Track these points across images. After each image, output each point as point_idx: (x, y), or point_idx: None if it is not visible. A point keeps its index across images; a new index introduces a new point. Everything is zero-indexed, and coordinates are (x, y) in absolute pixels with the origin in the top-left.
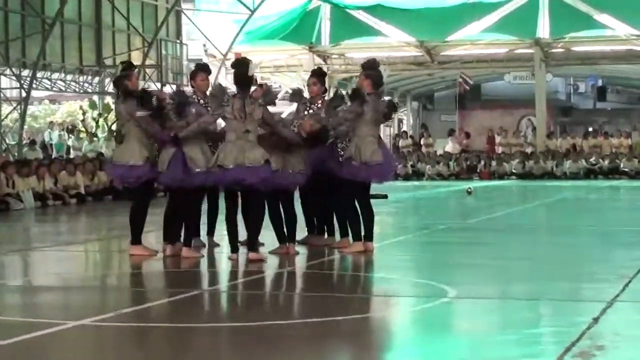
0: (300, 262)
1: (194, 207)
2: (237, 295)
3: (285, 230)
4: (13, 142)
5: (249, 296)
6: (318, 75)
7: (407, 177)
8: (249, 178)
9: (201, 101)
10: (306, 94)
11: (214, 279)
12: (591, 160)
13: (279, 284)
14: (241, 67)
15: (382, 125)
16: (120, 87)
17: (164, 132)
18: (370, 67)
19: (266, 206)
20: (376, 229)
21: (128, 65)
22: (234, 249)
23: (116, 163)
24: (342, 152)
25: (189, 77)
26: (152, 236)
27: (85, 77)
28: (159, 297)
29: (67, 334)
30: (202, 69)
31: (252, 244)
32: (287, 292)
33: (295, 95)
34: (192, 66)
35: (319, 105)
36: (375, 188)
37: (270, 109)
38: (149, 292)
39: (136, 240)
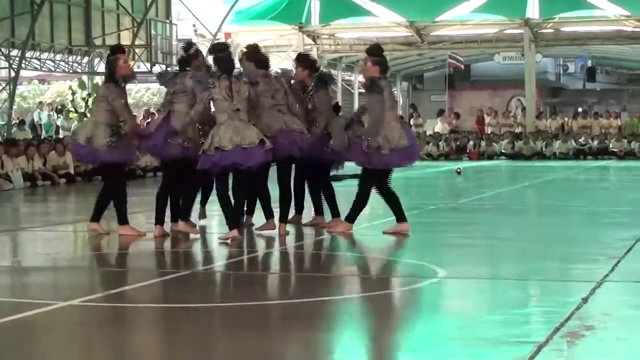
0: (290, 242)
1: (192, 186)
2: (229, 276)
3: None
4: (2, 122)
5: (241, 276)
6: (300, 60)
7: None
8: (248, 161)
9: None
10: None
11: (206, 258)
12: (580, 140)
13: (268, 264)
14: (223, 51)
15: None
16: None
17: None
18: (377, 53)
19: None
20: (365, 209)
21: (115, 49)
22: (236, 223)
23: (79, 142)
24: (364, 142)
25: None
26: (142, 216)
27: (74, 57)
28: (148, 278)
29: (55, 314)
30: (121, 49)
31: (235, 222)
32: (276, 272)
33: (284, 75)
34: (181, 47)
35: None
36: None
37: None
38: (137, 273)
39: (123, 220)
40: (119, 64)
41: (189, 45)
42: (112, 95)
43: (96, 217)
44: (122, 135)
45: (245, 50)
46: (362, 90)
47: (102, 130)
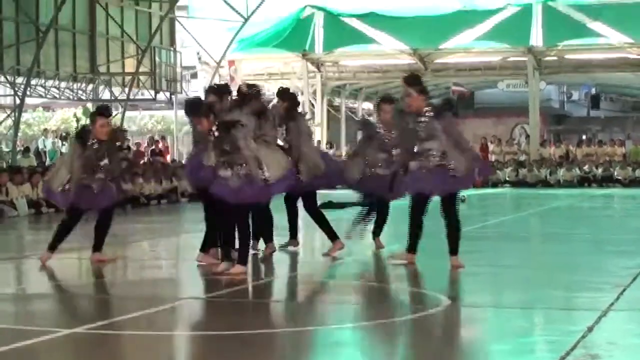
0: (292, 268)
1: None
2: (238, 303)
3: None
4: (7, 150)
5: (245, 304)
6: (279, 94)
7: None
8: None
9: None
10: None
11: (211, 285)
12: (585, 168)
13: (270, 291)
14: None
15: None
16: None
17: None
18: (419, 82)
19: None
20: (369, 237)
21: (98, 110)
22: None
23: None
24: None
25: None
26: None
27: (79, 84)
28: (152, 305)
29: (59, 342)
30: (102, 113)
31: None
32: (279, 299)
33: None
34: (186, 74)
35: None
36: None
37: None
38: (141, 300)
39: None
40: (96, 126)
41: (250, 86)
42: (73, 154)
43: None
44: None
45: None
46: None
47: (61, 175)
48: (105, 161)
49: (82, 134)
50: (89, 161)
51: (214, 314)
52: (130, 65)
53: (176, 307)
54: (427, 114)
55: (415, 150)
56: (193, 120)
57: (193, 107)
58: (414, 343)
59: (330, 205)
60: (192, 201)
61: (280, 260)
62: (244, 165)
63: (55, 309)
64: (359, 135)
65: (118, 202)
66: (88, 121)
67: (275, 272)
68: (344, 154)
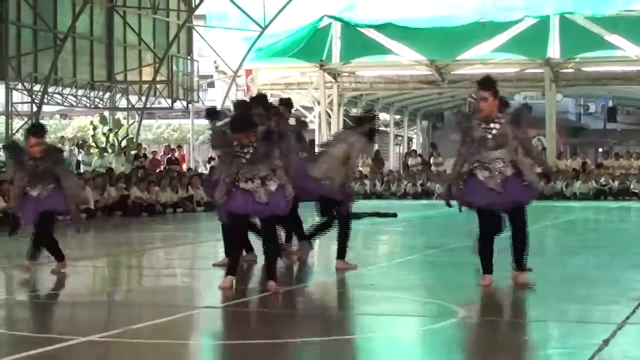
0: (306, 277)
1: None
2: (249, 312)
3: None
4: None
5: (258, 313)
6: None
7: (416, 196)
8: None
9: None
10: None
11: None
12: (601, 181)
13: (285, 301)
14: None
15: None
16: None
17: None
18: (494, 86)
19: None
20: (385, 248)
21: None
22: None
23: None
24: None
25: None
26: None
27: (96, 92)
28: (167, 314)
29: (75, 350)
30: (35, 132)
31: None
32: (293, 309)
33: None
34: (203, 83)
35: None
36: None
37: None
38: (157, 308)
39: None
40: (27, 145)
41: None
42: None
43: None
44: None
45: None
46: (383, 128)
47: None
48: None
49: (15, 152)
50: (29, 175)
51: (230, 323)
52: (147, 73)
53: (192, 315)
54: (499, 120)
55: (478, 158)
56: (240, 136)
57: (245, 123)
58: (430, 355)
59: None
60: (207, 210)
61: (294, 269)
62: (274, 177)
63: (70, 317)
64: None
65: (61, 212)
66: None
67: (293, 280)
68: (360, 164)
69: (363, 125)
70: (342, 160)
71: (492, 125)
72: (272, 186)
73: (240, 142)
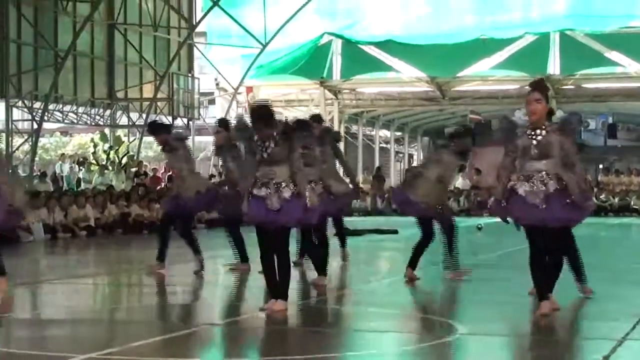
0: (305, 294)
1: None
2: (248, 329)
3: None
4: (24, 174)
5: (254, 331)
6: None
7: None
8: None
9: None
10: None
11: (229, 311)
12: (601, 197)
13: (284, 319)
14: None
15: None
16: None
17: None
18: (546, 89)
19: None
20: (386, 265)
21: None
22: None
23: None
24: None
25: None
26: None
27: (96, 109)
28: (167, 331)
29: None
30: None
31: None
32: (290, 327)
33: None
34: (203, 100)
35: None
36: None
37: None
38: (157, 326)
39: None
40: None
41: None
42: None
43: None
44: None
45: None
46: (384, 145)
47: None
48: None
49: None
50: None
51: (230, 340)
52: (148, 91)
53: (193, 333)
54: (546, 128)
55: (520, 170)
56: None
57: (305, 126)
58: None
59: (347, 232)
60: (208, 227)
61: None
62: (290, 184)
63: (70, 334)
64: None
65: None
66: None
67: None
68: (361, 180)
69: (456, 142)
70: (437, 180)
71: (537, 132)
72: (286, 193)
73: (260, 135)
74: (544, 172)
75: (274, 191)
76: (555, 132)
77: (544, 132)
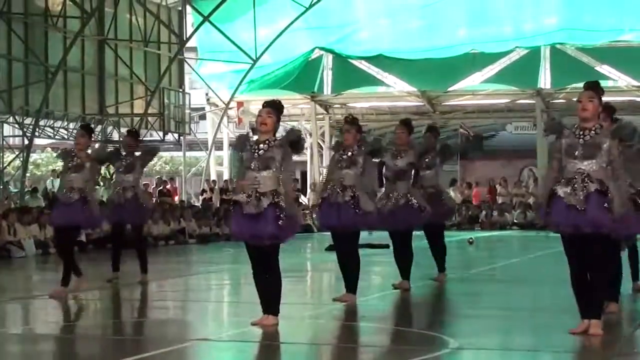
0: (300, 309)
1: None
2: (242, 345)
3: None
4: (15, 190)
5: (250, 346)
6: (352, 123)
7: None
8: None
9: None
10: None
11: (220, 327)
12: None
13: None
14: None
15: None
16: None
17: None
18: (601, 91)
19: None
20: (377, 279)
21: None
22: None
23: None
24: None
25: None
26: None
27: None
28: (160, 346)
29: None
30: None
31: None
32: (286, 342)
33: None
34: (194, 115)
35: (353, 153)
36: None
37: None
38: (149, 341)
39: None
40: None
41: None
42: None
43: None
44: None
45: None
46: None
47: None
48: None
49: None
50: None
51: (222, 356)
52: (139, 106)
53: (185, 348)
54: (596, 129)
55: (562, 172)
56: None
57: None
58: None
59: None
60: (199, 242)
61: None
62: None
63: (61, 350)
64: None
65: None
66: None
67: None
68: None
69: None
70: None
71: (586, 132)
72: (265, 202)
73: (262, 121)
74: (585, 174)
75: (256, 200)
76: (607, 136)
77: (592, 132)
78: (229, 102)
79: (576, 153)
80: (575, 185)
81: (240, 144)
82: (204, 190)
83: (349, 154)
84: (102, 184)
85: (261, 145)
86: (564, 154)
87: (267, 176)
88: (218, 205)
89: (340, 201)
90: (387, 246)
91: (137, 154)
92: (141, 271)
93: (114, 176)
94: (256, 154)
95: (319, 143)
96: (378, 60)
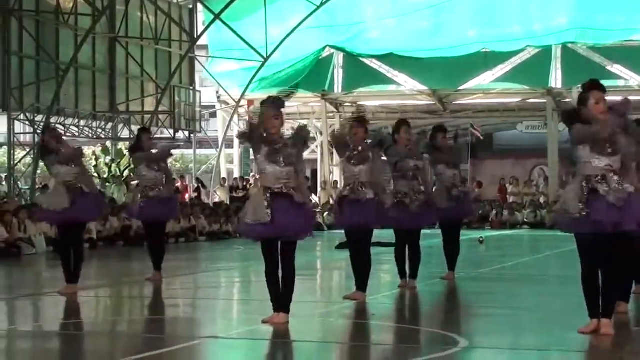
0: (308, 308)
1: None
2: (251, 343)
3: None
4: (26, 187)
5: (259, 344)
6: (361, 121)
7: None
8: None
9: None
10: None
11: (229, 325)
12: None
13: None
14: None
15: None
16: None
17: None
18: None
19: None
20: (386, 277)
21: None
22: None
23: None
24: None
25: None
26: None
27: (98, 122)
28: (169, 344)
29: None
30: None
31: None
32: (296, 340)
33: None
34: (205, 113)
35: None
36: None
37: None
38: (159, 339)
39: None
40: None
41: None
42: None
43: None
44: None
45: None
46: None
47: None
48: None
49: None
50: None
51: (231, 353)
52: (149, 104)
53: (194, 346)
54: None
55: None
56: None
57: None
58: None
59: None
60: (209, 240)
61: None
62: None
63: (71, 347)
64: None
65: None
66: (109, 160)
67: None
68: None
69: None
70: None
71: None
72: (297, 198)
73: (271, 125)
74: (611, 172)
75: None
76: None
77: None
78: (239, 100)
79: (605, 149)
80: (612, 184)
81: (253, 137)
82: (235, 188)
83: (360, 148)
84: (111, 181)
85: (279, 143)
86: (591, 146)
87: (291, 171)
88: (228, 203)
89: (361, 198)
90: (394, 244)
91: (154, 151)
92: (154, 267)
93: (130, 174)
94: (278, 150)
95: (329, 141)
96: (389, 58)
